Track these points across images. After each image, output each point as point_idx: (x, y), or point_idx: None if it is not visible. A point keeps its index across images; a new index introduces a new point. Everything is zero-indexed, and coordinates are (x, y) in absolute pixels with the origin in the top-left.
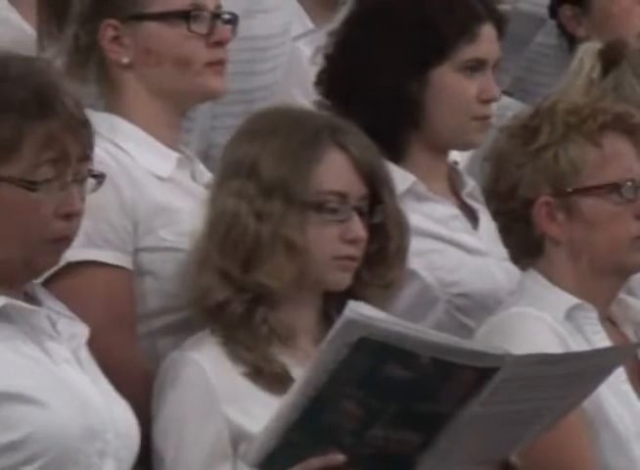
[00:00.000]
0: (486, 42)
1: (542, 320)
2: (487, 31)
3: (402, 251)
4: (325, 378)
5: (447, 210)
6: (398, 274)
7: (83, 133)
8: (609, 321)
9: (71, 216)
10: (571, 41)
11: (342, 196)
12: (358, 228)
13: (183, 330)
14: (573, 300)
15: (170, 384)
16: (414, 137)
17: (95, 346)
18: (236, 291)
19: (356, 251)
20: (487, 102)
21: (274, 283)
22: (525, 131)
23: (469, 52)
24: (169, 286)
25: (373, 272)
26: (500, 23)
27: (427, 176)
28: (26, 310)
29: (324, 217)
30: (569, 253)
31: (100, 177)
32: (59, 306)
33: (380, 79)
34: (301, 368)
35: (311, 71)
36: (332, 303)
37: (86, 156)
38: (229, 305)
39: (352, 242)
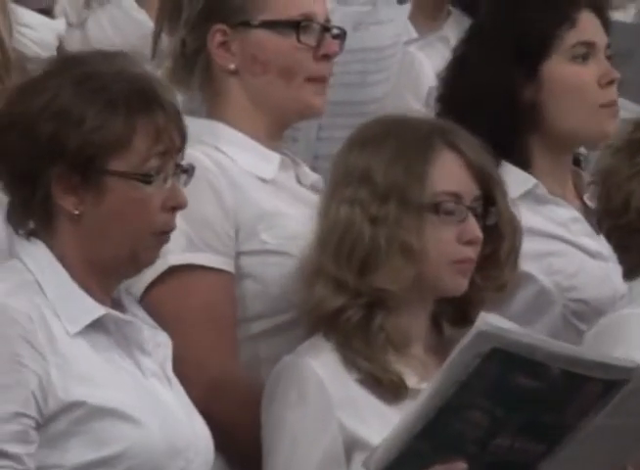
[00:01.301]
0: (588, 26)
1: None
2: (587, 16)
3: (515, 252)
4: (454, 389)
5: (568, 212)
6: (511, 276)
7: (181, 124)
8: None
9: (177, 209)
10: None
11: (457, 196)
12: (475, 229)
13: (285, 333)
14: None
15: (284, 388)
16: (535, 141)
17: (191, 351)
18: (351, 297)
19: (473, 252)
20: (608, 85)
21: (391, 286)
22: (630, 144)
23: (572, 37)
24: (272, 289)
25: (486, 275)
26: (599, 9)
27: (550, 179)
28: (122, 321)
29: (441, 219)
30: None
31: (190, 171)
32: (142, 313)
33: (495, 92)
34: (417, 377)
35: (423, 75)
36: (442, 310)
37: (182, 147)
38: (345, 311)
39: (470, 243)
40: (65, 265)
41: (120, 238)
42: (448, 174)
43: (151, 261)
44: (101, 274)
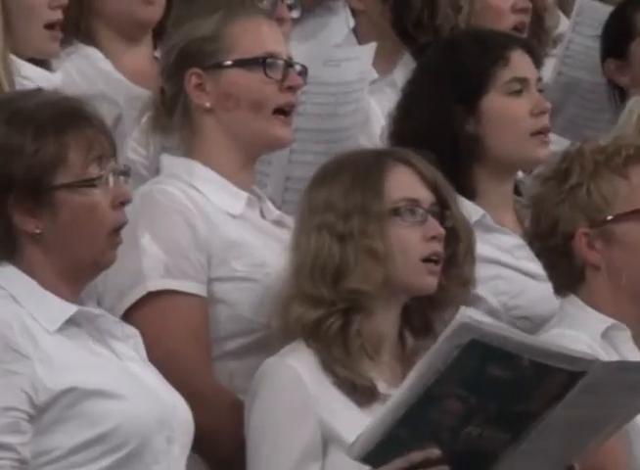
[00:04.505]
0: (520, 63)
1: (579, 339)
2: (518, 55)
3: (471, 251)
4: (434, 377)
5: (513, 240)
6: (471, 272)
7: (109, 134)
8: None
9: (125, 204)
10: (617, 88)
11: (415, 201)
12: (437, 226)
13: (256, 351)
14: (609, 320)
15: (268, 386)
16: (479, 171)
17: (174, 366)
18: (329, 306)
19: (440, 247)
20: (540, 114)
21: (364, 286)
22: (558, 174)
23: (506, 74)
24: (242, 311)
25: (449, 275)
26: (529, 47)
27: (494, 208)
28: (93, 315)
29: (404, 221)
30: (608, 277)
31: (127, 173)
32: (103, 310)
33: (440, 126)
34: (386, 383)
35: (373, 117)
36: (408, 320)
37: (114, 153)
38: (325, 321)
39: (434, 238)
40: (35, 278)
41: (81, 244)
42: (403, 184)
43: (110, 262)
44: (69, 280)
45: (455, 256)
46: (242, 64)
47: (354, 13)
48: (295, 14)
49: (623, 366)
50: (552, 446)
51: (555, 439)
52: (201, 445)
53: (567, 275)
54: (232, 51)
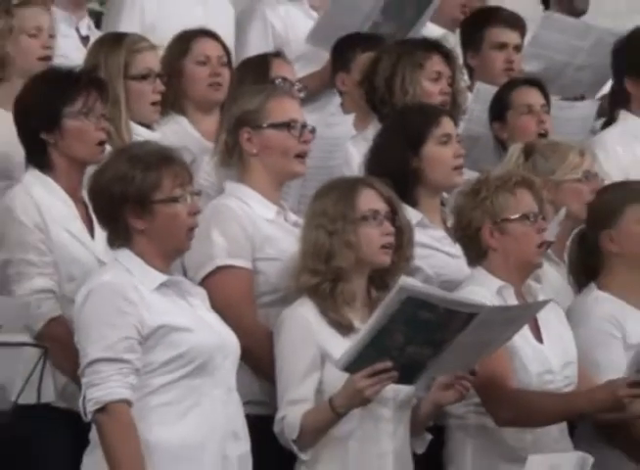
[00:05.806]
0: (447, 125)
1: (481, 294)
2: (446, 120)
3: (411, 239)
4: (386, 319)
5: (440, 233)
6: (411, 252)
7: (189, 169)
8: (521, 296)
9: (197, 214)
10: (500, 140)
11: (376, 211)
12: (389, 227)
13: (280, 303)
14: (501, 282)
15: (286, 325)
16: (420, 191)
17: (232, 312)
18: (323, 276)
19: (391, 239)
20: (459, 157)
21: (343, 264)
22: (473, 191)
23: (438, 131)
24: (272, 279)
25: (398, 255)
26: (451, 115)
27: (428, 213)
28: (178, 280)
29: (369, 223)
30: (502, 256)
31: (199, 194)
32: (183, 278)
33: (396, 163)
34: (359, 321)
35: (353, 158)
36: (373, 281)
37: (191, 181)
38: (320, 285)
39: (388, 234)
40: (142, 258)
41: (169, 237)
42: (369, 199)
43: (187, 249)
44: (162, 259)
45: (401, 243)
46: (274, 126)
47: (340, 93)
48: (301, 95)
49: (502, 309)
50: (459, 357)
51: (461, 352)
52: (249, 361)
53: (476, 254)
54: (268, 118)
